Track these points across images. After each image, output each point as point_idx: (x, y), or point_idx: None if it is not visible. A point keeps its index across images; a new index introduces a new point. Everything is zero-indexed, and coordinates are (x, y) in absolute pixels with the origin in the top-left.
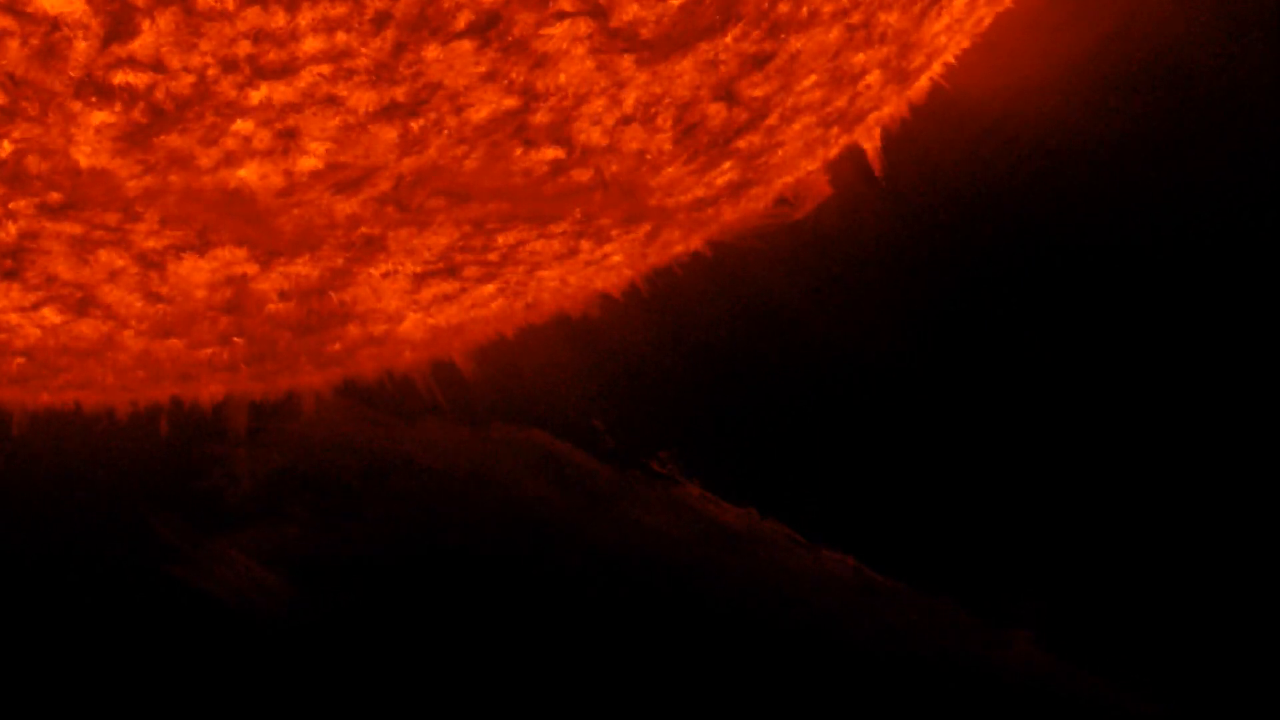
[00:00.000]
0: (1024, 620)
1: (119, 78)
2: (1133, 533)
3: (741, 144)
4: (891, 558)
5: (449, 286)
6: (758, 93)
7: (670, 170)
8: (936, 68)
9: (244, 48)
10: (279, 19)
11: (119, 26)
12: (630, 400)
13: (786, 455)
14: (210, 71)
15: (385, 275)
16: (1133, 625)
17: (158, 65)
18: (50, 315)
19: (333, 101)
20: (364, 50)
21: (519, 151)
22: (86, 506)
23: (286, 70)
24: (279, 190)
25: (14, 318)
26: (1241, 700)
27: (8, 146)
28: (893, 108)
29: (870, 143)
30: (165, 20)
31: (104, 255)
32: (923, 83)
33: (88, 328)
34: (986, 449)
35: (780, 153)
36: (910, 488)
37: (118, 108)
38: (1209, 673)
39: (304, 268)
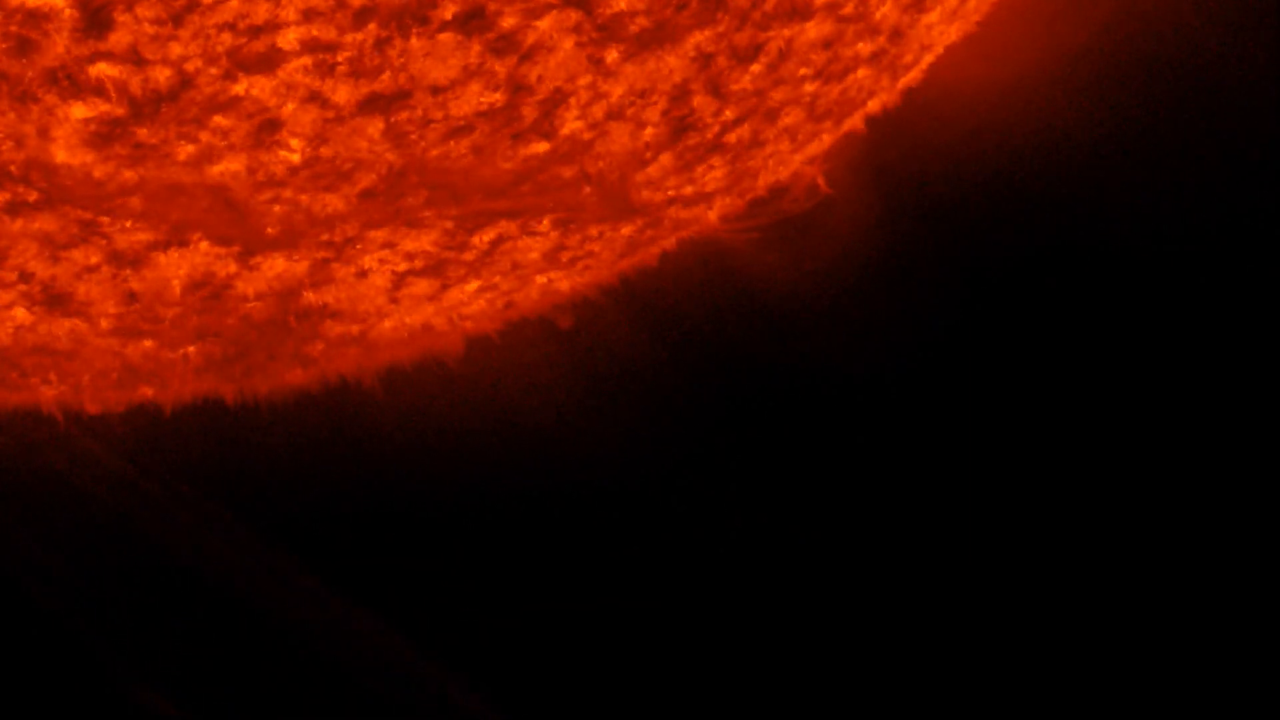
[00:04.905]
0: None
1: (96, 70)
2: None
3: (730, 139)
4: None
5: (431, 285)
6: (747, 86)
7: (657, 166)
8: (930, 60)
9: (225, 40)
10: (260, 10)
11: (96, 18)
12: (614, 400)
13: (773, 454)
14: (189, 65)
15: (366, 273)
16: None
17: (135, 58)
18: (20, 314)
19: (314, 95)
20: (346, 43)
21: (505, 146)
22: None
23: (267, 63)
24: (258, 186)
25: None
26: None
27: None
28: (884, 101)
29: (861, 137)
30: (143, 11)
31: (77, 253)
32: (915, 75)
33: (59, 327)
34: (981, 450)
35: (769, 148)
36: (901, 489)
37: (94, 101)
38: None
39: (283, 266)
